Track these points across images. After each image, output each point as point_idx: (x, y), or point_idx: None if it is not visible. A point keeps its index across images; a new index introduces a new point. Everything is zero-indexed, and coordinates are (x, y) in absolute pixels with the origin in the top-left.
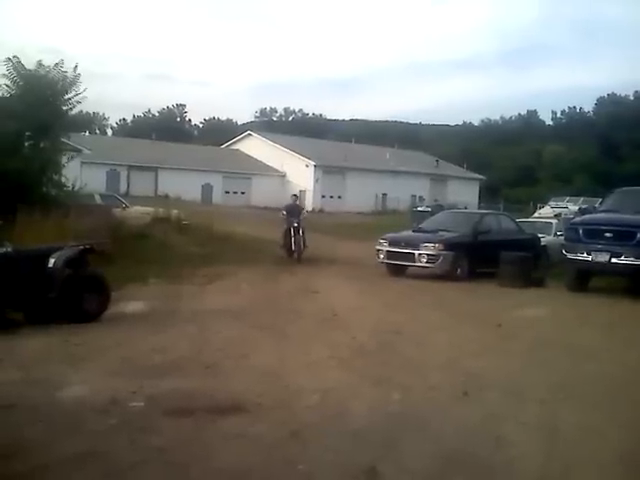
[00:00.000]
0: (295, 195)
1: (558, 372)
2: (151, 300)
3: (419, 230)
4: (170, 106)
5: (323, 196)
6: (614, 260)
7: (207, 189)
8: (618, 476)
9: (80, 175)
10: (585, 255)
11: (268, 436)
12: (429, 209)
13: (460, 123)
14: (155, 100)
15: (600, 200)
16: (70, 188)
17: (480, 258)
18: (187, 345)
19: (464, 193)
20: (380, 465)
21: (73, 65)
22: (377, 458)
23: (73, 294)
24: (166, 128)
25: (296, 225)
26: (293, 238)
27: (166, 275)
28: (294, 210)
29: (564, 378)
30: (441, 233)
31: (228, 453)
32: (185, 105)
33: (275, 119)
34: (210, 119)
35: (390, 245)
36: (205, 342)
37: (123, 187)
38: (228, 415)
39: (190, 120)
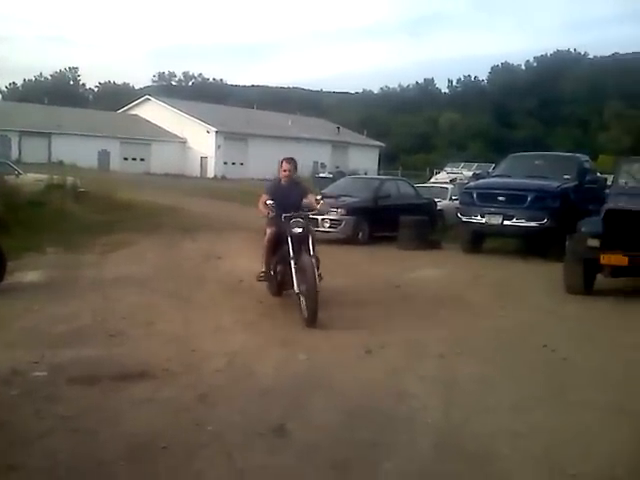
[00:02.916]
0: (289, 160)
1: (455, 329)
2: (50, 269)
3: (322, 196)
4: (63, 69)
5: (225, 163)
6: (506, 222)
7: (104, 155)
8: (510, 422)
9: None
10: (479, 218)
11: (177, 400)
12: (331, 175)
13: (360, 91)
14: (47, 63)
15: (493, 165)
16: None
17: (380, 222)
18: (90, 314)
19: (364, 160)
20: (288, 423)
21: None
22: (285, 416)
23: None
24: (59, 92)
25: (299, 232)
26: (293, 264)
27: (65, 244)
28: (289, 194)
29: (461, 334)
30: (343, 198)
31: (136, 418)
32: (78, 68)
33: (174, 84)
34: (105, 83)
35: None
36: (109, 310)
37: (15, 154)
38: (135, 381)
39: (84, 84)
